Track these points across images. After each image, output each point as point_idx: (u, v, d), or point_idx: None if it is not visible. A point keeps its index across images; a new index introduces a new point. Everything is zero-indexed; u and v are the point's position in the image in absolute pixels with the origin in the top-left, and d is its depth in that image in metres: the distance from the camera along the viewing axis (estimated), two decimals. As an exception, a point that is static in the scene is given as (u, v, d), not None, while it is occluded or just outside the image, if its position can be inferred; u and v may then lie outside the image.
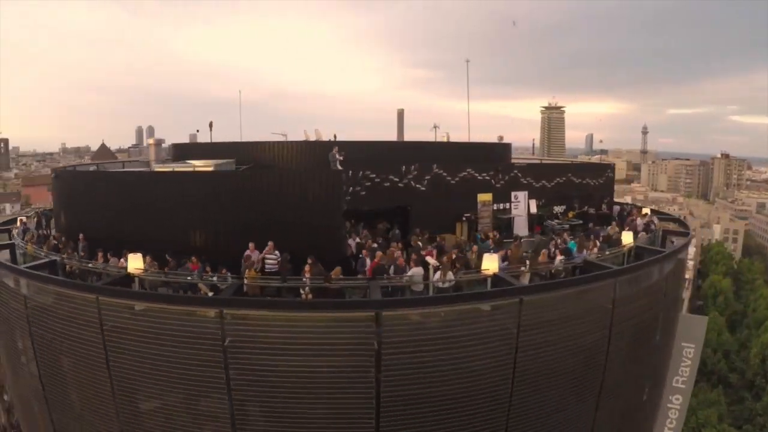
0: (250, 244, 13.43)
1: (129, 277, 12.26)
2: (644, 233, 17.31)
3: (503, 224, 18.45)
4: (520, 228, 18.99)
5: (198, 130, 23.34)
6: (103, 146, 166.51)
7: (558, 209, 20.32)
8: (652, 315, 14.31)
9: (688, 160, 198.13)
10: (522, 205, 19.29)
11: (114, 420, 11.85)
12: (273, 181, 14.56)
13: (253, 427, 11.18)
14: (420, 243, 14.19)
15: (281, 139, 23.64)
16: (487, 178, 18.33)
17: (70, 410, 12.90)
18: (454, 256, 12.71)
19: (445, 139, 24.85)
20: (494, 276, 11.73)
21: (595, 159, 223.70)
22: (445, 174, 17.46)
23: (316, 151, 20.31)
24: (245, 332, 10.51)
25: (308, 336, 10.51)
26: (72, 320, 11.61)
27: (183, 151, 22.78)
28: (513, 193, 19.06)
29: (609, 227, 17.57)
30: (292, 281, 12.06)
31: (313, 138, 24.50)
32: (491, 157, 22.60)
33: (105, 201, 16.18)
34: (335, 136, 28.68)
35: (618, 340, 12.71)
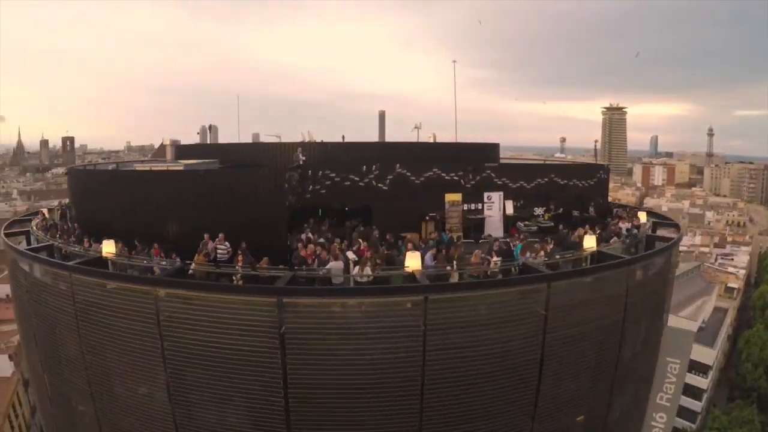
0: (205, 235, 14.37)
1: (101, 259, 13.38)
2: (616, 238, 16.58)
3: (472, 225, 18.24)
4: (493, 229, 18.69)
5: (197, 133, 24.62)
6: (162, 145, 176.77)
7: (539, 211, 19.83)
8: (610, 325, 13.54)
9: (751, 163, 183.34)
10: (496, 206, 18.97)
11: (86, 381, 13.29)
12: (226, 181, 15.41)
13: (183, 392, 12.02)
14: (361, 240, 14.39)
15: (275, 140, 24.52)
16: (456, 178, 18.20)
17: (60, 372, 14.46)
18: (386, 252, 12.86)
19: (431, 140, 24.78)
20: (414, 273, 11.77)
21: (658, 162, 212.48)
22: (408, 174, 17.58)
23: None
24: (176, 309, 11.43)
25: (224, 316, 11.06)
26: (55, 294, 13.28)
27: (183, 152, 24.14)
28: (486, 194, 18.80)
29: (579, 230, 16.87)
30: (225, 268, 12.85)
31: (307, 139, 25.24)
32: (481, 157, 22.38)
33: (99, 196, 17.71)
34: (343, 137, 29.36)
35: (556, 349, 12.25)
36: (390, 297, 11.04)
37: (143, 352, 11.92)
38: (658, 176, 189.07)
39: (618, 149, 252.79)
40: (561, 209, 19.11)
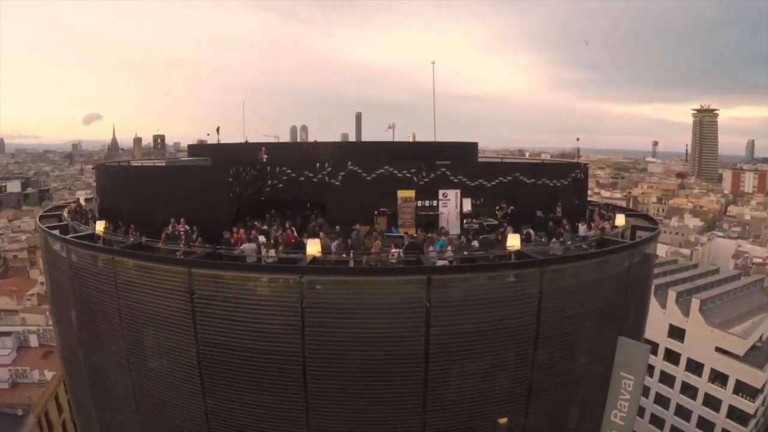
0: (172, 219, 16.81)
1: (92, 235, 16.32)
2: (554, 240, 16.53)
3: (424, 221, 18.95)
4: (447, 226, 19.29)
5: (208, 134, 27.33)
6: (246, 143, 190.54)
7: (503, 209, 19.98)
8: (522, 327, 13.58)
9: None
10: (452, 204, 19.53)
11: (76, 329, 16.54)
12: (187, 176, 17.86)
13: (137, 342, 14.54)
14: (294, 228, 15.91)
15: (273, 140, 26.63)
16: (408, 175, 19.02)
17: (67, 324, 17.70)
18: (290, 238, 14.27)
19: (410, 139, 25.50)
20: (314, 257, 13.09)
21: (749, 167, 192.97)
22: (360, 171, 18.69)
23: (292, 150, 22.95)
24: (128, 274, 13.99)
25: (158, 281, 13.43)
26: (59, 259, 16.63)
27: (193, 151, 26.95)
28: (441, 191, 19.40)
29: (509, 229, 17.04)
30: (171, 245, 15.03)
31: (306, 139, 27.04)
32: (459, 155, 23.16)
33: (109, 186, 20.82)
34: (357, 138, 30.91)
35: (446, 342, 12.79)
36: (272, 274, 12.49)
37: (109, 308, 14.62)
38: (749, 183, 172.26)
39: (709, 154, 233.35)
40: (511, 208, 19.14)
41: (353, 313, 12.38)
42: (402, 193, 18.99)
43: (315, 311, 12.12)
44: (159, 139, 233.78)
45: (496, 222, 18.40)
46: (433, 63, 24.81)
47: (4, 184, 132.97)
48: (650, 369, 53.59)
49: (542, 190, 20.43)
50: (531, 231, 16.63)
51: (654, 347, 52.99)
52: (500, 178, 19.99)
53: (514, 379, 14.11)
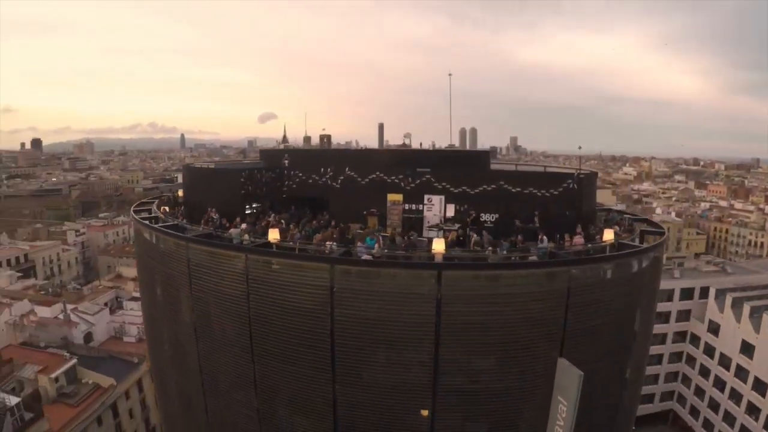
0: (209, 209, 22.05)
1: (156, 218, 22.13)
2: (489, 248, 17.67)
3: (408, 223, 21.81)
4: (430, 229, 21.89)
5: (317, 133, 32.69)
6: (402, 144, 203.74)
7: (486, 216, 21.66)
8: (421, 325, 14.89)
9: None
10: (436, 209, 22.03)
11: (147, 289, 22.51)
12: (216, 176, 23.45)
13: (170, 298, 19.70)
14: (282, 221, 20.20)
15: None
16: (396, 181, 22.03)
17: (143, 288, 23.99)
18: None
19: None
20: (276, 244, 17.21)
21: None
22: (355, 175, 22.27)
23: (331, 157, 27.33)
24: (167, 247, 19.03)
25: (174, 251, 18.37)
26: (138, 235, 22.37)
27: (261, 155, 32.65)
28: (426, 196, 22.00)
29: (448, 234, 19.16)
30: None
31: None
32: (471, 162, 25.46)
33: (186, 182, 27.13)
34: (405, 143, 34.55)
35: (347, 326, 15.13)
36: (222, 250, 17.02)
37: (157, 271, 20.26)
38: None
39: None
40: (491, 216, 20.83)
41: (283, 288, 15.81)
42: (391, 197, 22.11)
43: (257, 284, 16.08)
44: (325, 138, 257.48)
45: (454, 227, 20.36)
46: (450, 75, 26.89)
47: (176, 176, 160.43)
48: (754, 410, 48.35)
49: (529, 200, 21.30)
50: (477, 237, 18.50)
51: (763, 387, 47.64)
52: (483, 186, 21.60)
53: (420, 373, 15.39)
